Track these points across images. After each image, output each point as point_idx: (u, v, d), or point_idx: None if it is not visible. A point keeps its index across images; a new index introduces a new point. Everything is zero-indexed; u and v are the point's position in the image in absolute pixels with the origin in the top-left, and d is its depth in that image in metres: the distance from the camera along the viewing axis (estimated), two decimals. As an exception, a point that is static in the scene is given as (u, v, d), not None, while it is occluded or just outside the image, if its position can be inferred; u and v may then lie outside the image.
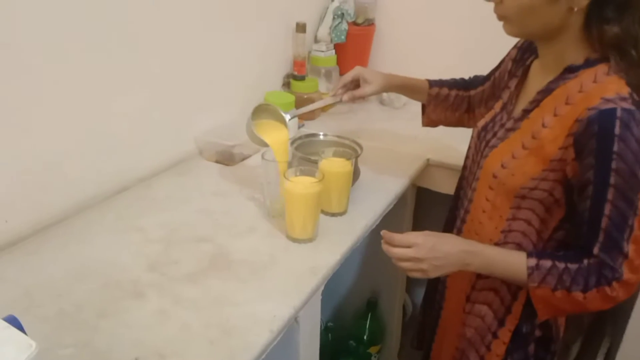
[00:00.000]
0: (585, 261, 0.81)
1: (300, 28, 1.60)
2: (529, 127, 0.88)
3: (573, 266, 0.82)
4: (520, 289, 0.92)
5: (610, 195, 0.78)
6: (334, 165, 1.07)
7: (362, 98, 1.17)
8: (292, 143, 1.16)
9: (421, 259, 0.88)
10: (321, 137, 1.24)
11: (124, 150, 1.17)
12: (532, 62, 0.97)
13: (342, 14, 1.75)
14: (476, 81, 1.17)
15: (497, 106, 1.00)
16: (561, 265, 0.83)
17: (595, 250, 0.80)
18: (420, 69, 1.39)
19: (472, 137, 1.05)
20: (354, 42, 1.80)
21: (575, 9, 0.80)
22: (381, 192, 1.21)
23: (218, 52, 1.38)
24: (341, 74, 1.78)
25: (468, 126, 1.16)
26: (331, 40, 1.77)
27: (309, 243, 1.01)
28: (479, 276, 0.96)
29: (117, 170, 1.17)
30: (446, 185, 1.37)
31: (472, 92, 1.17)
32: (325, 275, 0.93)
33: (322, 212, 1.07)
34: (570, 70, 0.85)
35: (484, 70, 1.15)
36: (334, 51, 1.77)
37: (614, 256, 0.79)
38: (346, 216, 1.11)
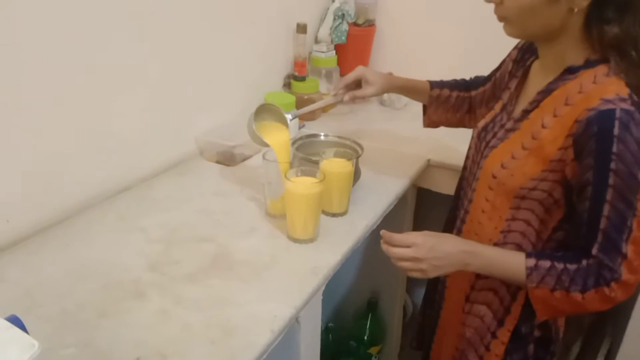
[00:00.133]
0: (584, 262, 0.81)
1: (301, 29, 1.60)
2: (529, 127, 0.88)
3: (572, 267, 0.82)
4: (520, 290, 0.92)
5: (609, 196, 0.78)
6: (334, 165, 1.07)
7: (363, 99, 1.17)
8: (293, 143, 1.16)
9: (420, 259, 0.88)
10: (322, 137, 1.25)
11: (125, 150, 1.17)
12: (532, 62, 0.97)
13: (343, 14, 1.75)
14: (477, 82, 1.17)
15: (497, 107, 1.01)
16: (560, 266, 0.83)
17: (594, 251, 0.80)
18: (421, 70, 1.40)
19: (472, 137, 1.05)
20: (354, 42, 1.81)
21: (576, 10, 0.80)
22: (382, 192, 1.21)
23: (219, 53, 1.38)
24: (342, 74, 1.79)
25: (469, 127, 1.16)
26: (332, 41, 1.77)
27: (309, 243, 1.01)
28: (478, 276, 0.96)
29: (118, 170, 1.17)
30: (447, 186, 1.37)
31: (473, 93, 1.17)
32: (326, 276, 0.93)
33: (323, 212, 1.07)
34: (570, 71, 0.85)
35: (485, 71, 1.16)
36: (334, 52, 1.77)
37: (612, 257, 0.79)
38: (347, 216, 1.11)
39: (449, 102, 1.19)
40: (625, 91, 0.79)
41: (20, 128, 0.95)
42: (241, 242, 1.01)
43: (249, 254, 0.97)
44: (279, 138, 1.10)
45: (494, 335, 0.97)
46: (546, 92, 0.88)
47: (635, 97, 0.79)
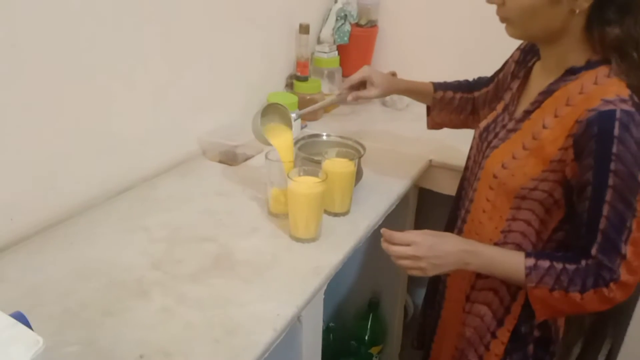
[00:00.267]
0: (583, 262, 0.82)
1: (304, 29, 1.60)
2: (530, 128, 0.88)
3: (571, 267, 0.82)
4: (520, 290, 0.92)
5: (608, 196, 0.78)
6: (337, 165, 1.07)
7: (366, 99, 1.18)
8: (295, 143, 1.16)
9: (420, 257, 0.88)
10: (324, 137, 1.25)
11: (127, 150, 1.18)
12: (534, 63, 0.97)
13: (345, 15, 1.75)
14: (480, 83, 1.17)
15: (499, 107, 1.01)
16: (559, 266, 0.83)
17: (593, 252, 0.81)
18: (423, 71, 1.40)
19: (474, 137, 1.06)
20: (356, 43, 1.81)
21: (577, 11, 0.80)
22: (384, 192, 1.22)
23: (221, 53, 1.39)
24: (344, 75, 1.79)
25: (472, 127, 1.16)
26: (334, 42, 1.77)
27: (311, 243, 1.01)
28: (478, 276, 0.97)
29: (121, 170, 1.17)
30: (448, 186, 1.37)
31: (476, 94, 1.17)
32: (328, 275, 0.93)
33: (325, 212, 1.07)
34: (572, 72, 0.86)
35: (487, 72, 1.16)
36: (336, 52, 1.78)
37: (611, 257, 0.80)
38: (349, 216, 1.11)
39: (452, 103, 1.20)
40: (626, 92, 0.79)
41: (24, 128, 0.95)
42: (243, 241, 1.01)
43: (251, 254, 0.97)
44: (283, 138, 1.10)
45: (493, 335, 0.97)
46: (547, 92, 0.88)
47: (635, 98, 0.79)
